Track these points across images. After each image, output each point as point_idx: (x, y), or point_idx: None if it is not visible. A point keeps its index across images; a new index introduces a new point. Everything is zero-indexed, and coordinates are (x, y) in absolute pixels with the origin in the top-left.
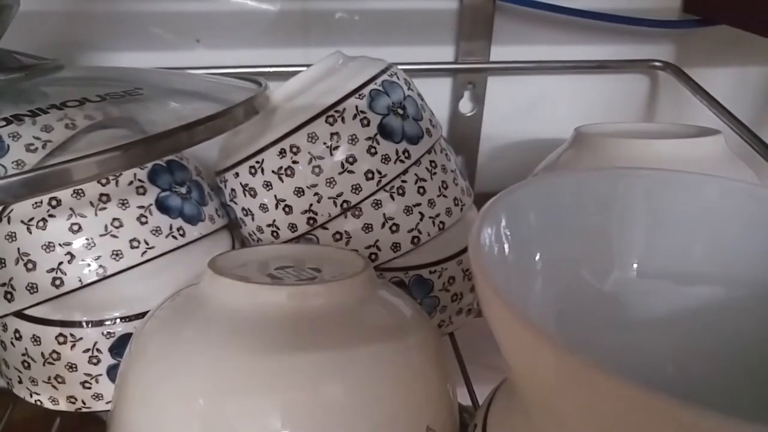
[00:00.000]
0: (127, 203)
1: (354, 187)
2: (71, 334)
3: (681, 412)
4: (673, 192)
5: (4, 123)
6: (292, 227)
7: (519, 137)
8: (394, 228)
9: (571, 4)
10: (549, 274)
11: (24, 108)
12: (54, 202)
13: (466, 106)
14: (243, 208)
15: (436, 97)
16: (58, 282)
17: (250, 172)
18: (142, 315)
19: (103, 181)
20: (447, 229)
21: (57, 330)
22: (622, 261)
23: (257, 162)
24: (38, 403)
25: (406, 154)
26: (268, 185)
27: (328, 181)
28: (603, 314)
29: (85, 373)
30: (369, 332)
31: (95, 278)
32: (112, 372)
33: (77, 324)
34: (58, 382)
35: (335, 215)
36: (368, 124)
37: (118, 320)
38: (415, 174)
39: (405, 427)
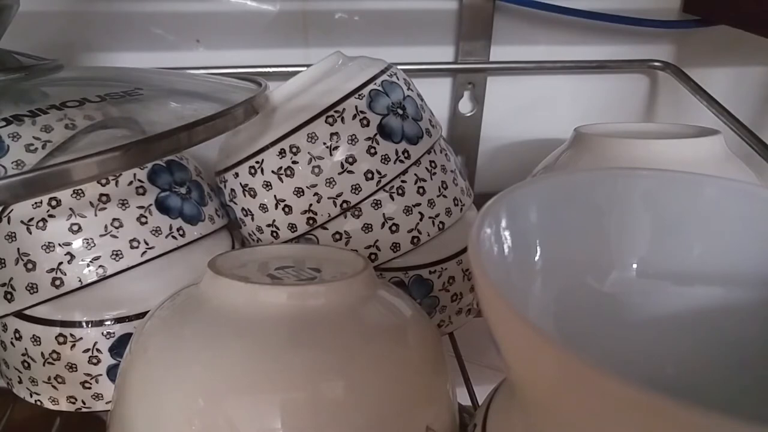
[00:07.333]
0: (127, 203)
1: (354, 187)
2: (71, 334)
3: (681, 412)
4: (673, 192)
5: (4, 123)
6: (292, 227)
7: (519, 137)
8: (393, 228)
9: (571, 4)
10: (549, 274)
11: (24, 108)
12: (54, 203)
13: (465, 106)
14: (243, 208)
15: (436, 97)
16: (58, 282)
17: (250, 173)
18: (142, 315)
19: (103, 181)
20: (447, 229)
21: (57, 330)
22: (622, 261)
23: (257, 162)
24: (38, 403)
25: (406, 154)
26: (267, 185)
27: (327, 181)
28: (603, 314)
29: (85, 373)
30: (369, 332)
31: (95, 278)
32: (112, 372)
33: (77, 324)
34: (58, 382)
35: (335, 215)
36: (368, 125)
37: (118, 320)
38: (415, 174)
39: (405, 427)
